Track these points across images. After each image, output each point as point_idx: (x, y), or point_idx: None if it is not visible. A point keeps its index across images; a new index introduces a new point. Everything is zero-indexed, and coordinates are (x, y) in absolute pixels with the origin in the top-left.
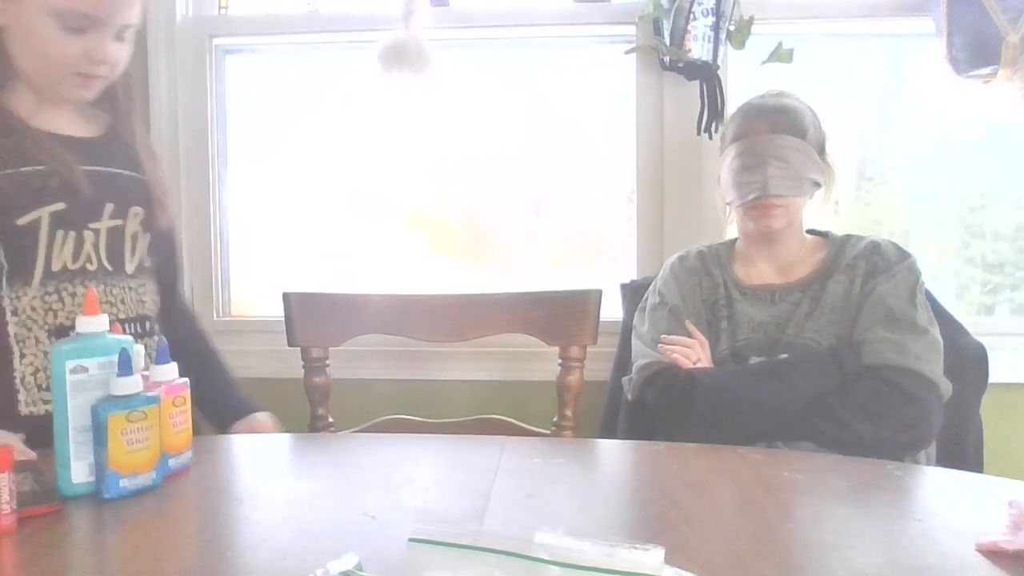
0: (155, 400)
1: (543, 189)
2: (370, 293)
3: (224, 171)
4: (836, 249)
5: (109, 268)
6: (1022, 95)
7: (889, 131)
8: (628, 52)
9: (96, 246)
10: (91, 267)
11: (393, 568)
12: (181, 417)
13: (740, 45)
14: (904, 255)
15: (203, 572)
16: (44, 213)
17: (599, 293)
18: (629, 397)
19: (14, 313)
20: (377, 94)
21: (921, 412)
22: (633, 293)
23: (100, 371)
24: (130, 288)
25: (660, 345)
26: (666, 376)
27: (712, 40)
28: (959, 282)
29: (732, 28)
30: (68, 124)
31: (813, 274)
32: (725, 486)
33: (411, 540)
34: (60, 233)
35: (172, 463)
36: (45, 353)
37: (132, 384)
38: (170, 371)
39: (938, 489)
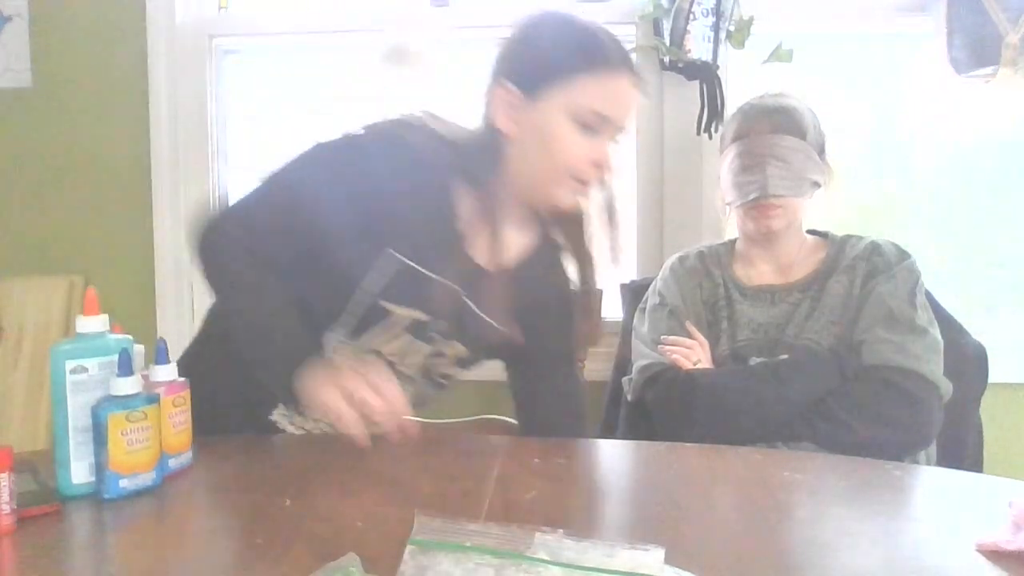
0: (155, 400)
1: None
2: None
3: (224, 170)
4: (836, 250)
5: (409, 374)
6: (1022, 95)
7: (889, 131)
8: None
9: (415, 363)
10: (407, 371)
11: (393, 568)
12: (181, 417)
13: (740, 45)
14: (904, 255)
15: (203, 572)
16: (412, 315)
17: (599, 293)
18: (629, 397)
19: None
20: (377, 94)
21: (921, 412)
22: (633, 293)
23: (100, 371)
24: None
25: (660, 346)
26: (666, 377)
27: (712, 40)
28: (959, 282)
29: (732, 28)
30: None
31: (813, 275)
32: (725, 486)
33: (411, 540)
34: (408, 337)
35: (172, 463)
36: None
37: (132, 384)
38: (170, 371)
39: (938, 489)
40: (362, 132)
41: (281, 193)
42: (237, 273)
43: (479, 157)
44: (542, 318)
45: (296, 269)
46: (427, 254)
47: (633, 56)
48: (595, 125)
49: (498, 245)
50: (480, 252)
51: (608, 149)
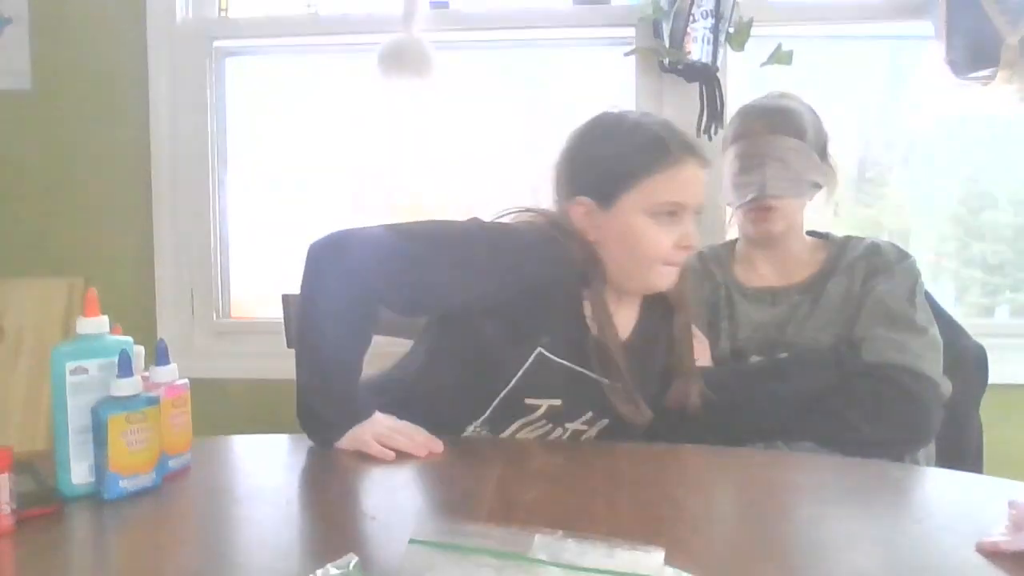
0: (155, 401)
1: (543, 191)
2: None
3: (224, 173)
4: (836, 251)
5: None
6: (1021, 97)
7: (889, 132)
8: (628, 54)
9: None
10: None
11: (393, 568)
12: (181, 418)
13: (739, 47)
14: (903, 256)
15: (203, 572)
16: (546, 404)
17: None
18: None
19: None
20: (377, 96)
21: (920, 410)
22: None
23: (100, 372)
24: None
25: None
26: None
27: (712, 42)
28: (959, 283)
29: (732, 30)
30: (617, 328)
31: (813, 276)
32: (725, 486)
33: (411, 540)
34: (545, 423)
35: (172, 464)
36: None
37: (132, 385)
38: (170, 372)
39: (938, 489)
40: (512, 223)
41: (434, 249)
42: (341, 302)
43: (591, 264)
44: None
45: (436, 358)
46: (567, 347)
47: (694, 140)
48: (671, 213)
49: (612, 330)
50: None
51: (689, 229)
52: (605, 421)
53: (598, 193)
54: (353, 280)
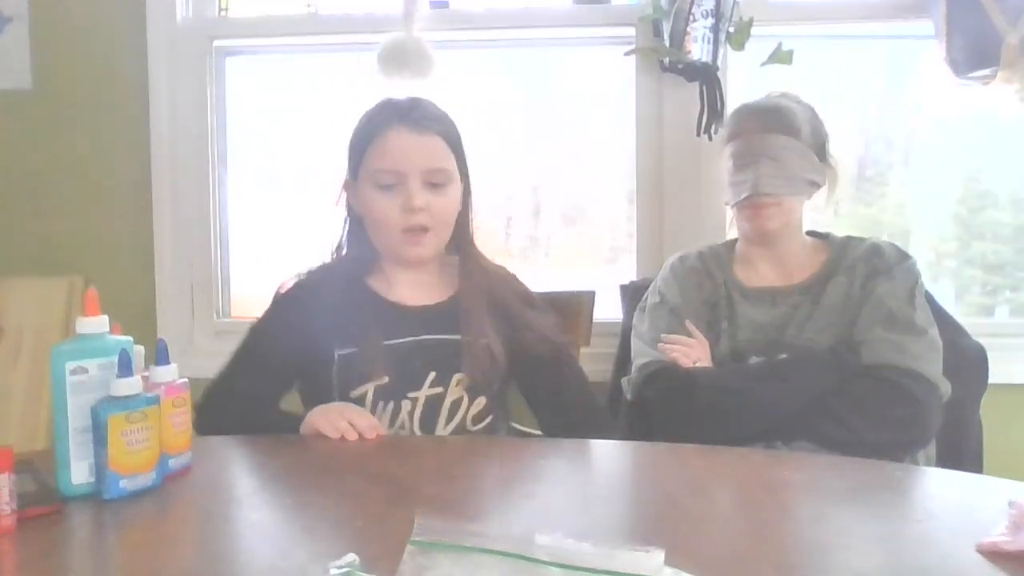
0: (155, 401)
1: (543, 190)
2: None
3: (224, 172)
4: (837, 251)
5: (418, 433)
6: (1021, 96)
7: (889, 131)
8: (628, 53)
9: (411, 414)
10: (403, 432)
11: (393, 568)
12: (181, 418)
13: (740, 46)
14: (904, 256)
15: (203, 572)
16: (370, 388)
17: (592, 295)
18: (629, 397)
19: None
20: (377, 95)
21: (920, 411)
22: (633, 294)
23: (100, 372)
24: None
25: (660, 344)
26: (666, 375)
27: (712, 41)
28: (959, 283)
29: (732, 30)
30: (416, 294)
31: (813, 276)
32: (725, 486)
33: (411, 540)
34: (381, 404)
35: (172, 463)
36: None
37: (132, 385)
38: (170, 372)
39: (938, 489)
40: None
41: (244, 350)
42: (239, 428)
43: (354, 243)
44: (511, 327)
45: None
46: (363, 330)
47: (412, 106)
48: (389, 181)
49: (406, 285)
50: (406, 296)
51: (415, 193)
52: (460, 375)
53: (351, 170)
54: (230, 423)
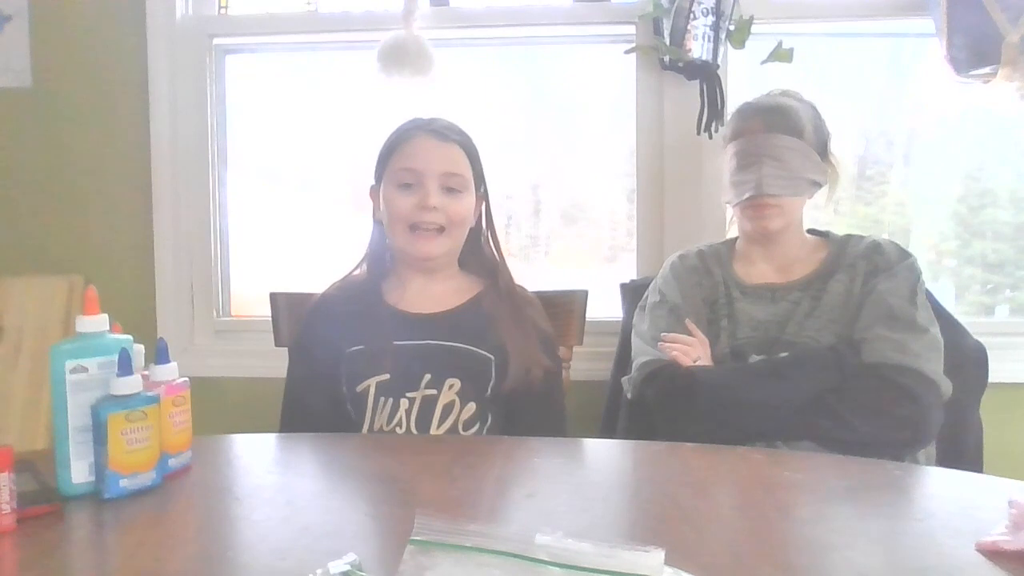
0: (155, 400)
1: (543, 189)
2: None
3: (224, 171)
4: (837, 249)
5: (415, 432)
6: (1022, 95)
7: (890, 129)
8: (628, 52)
9: (409, 412)
10: (400, 430)
11: (393, 568)
12: (181, 417)
13: (740, 45)
14: (905, 255)
15: (203, 572)
16: (373, 382)
17: (584, 294)
18: (629, 396)
19: None
20: (377, 94)
21: (921, 410)
22: (633, 293)
23: (100, 371)
24: None
25: (660, 343)
26: (666, 373)
27: (712, 40)
28: (959, 282)
29: (732, 28)
30: (424, 302)
31: (813, 274)
32: (725, 486)
33: (411, 540)
34: (382, 400)
35: (172, 463)
36: None
37: (132, 384)
38: (170, 371)
39: (938, 489)
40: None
41: (294, 371)
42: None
43: (376, 249)
44: (511, 339)
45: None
46: (371, 331)
47: (433, 119)
48: (408, 180)
49: (416, 293)
50: (415, 304)
51: (429, 194)
52: (453, 380)
53: (377, 176)
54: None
